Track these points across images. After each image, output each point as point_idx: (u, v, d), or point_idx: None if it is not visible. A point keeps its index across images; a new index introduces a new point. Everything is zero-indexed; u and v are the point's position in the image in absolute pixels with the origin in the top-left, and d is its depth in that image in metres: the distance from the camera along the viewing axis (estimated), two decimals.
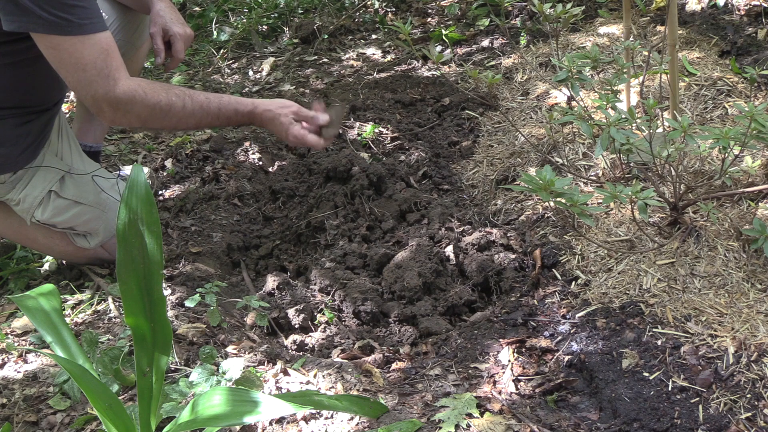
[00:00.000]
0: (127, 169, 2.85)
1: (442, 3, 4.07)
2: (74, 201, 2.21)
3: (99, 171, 2.30)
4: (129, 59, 2.44)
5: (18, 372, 1.85)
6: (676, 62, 2.28)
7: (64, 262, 2.38)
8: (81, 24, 1.90)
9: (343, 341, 2.08)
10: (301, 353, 2.02)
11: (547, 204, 2.36)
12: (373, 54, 3.83)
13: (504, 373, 1.85)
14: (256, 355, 1.88)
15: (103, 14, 2.17)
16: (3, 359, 1.89)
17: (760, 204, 2.11)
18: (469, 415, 1.65)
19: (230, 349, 1.92)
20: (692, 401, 1.66)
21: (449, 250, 2.29)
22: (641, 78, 2.35)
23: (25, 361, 1.88)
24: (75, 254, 2.31)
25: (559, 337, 1.95)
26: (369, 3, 4.20)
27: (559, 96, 2.88)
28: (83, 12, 1.90)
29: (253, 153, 2.91)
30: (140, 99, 2.01)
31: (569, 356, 1.88)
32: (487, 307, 2.18)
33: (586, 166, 2.48)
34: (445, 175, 2.73)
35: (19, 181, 2.15)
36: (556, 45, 2.85)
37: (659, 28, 3.15)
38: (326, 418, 1.66)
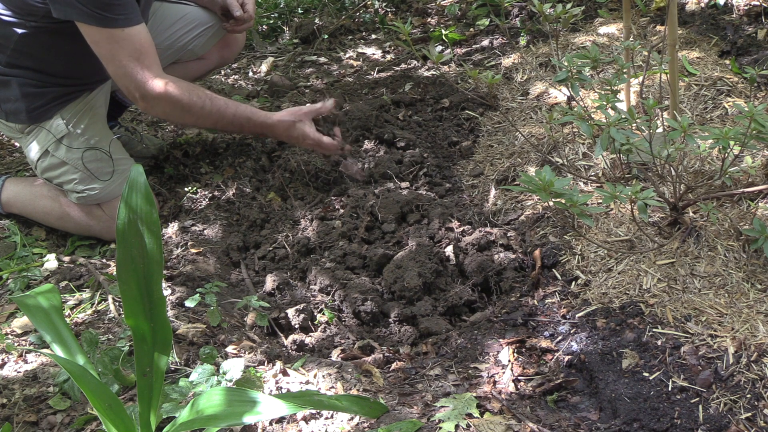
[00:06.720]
0: None
1: (442, 3, 4.07)
2: (63, 161, 2.46)
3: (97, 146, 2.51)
4: (185, 63, 2.84)
5: (18, 372, 1.85)
6: (676, 62, 2.28)
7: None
8: (115, 18, 2.18)
9: (343, 341, 2.08)
10: (301, 353, 2.02)
11: (547, 204, 2.36)
12: (373, 54, 3.83)
13: (504, 373, 1.85)
14: (256, 355, 1.88)
15: (198, 20, 2.76)
16: (3, 359, 1.89)
17: (760, 204, 2.11)
18: (469, 415, 1.65)
19: (230, 349, 1.92)
20: (692, 401, 1.66)
21: (449, 250, 2.29)
22: (641, 78, 2.34)
23: (25, 361, 1.88)
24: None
25: (559, 337, 1.95)
26: (369, 3, 4.20)
27: (559, 96, 2.88)
28: (118, 9, 2.18)
29: (253, 153, 2.91)
30: (165, 96, 2.32)
31: (569, 356, 1.88)
32: (487, 307, 2.18)
33: (586, 166, 2.48)
34: (446, 175, 2.73)
35: (30, 134, 2.48)
36: (556, 45, 2.85)
37: (659, 28, 3.15)
38: (326, 418, 1.66)
